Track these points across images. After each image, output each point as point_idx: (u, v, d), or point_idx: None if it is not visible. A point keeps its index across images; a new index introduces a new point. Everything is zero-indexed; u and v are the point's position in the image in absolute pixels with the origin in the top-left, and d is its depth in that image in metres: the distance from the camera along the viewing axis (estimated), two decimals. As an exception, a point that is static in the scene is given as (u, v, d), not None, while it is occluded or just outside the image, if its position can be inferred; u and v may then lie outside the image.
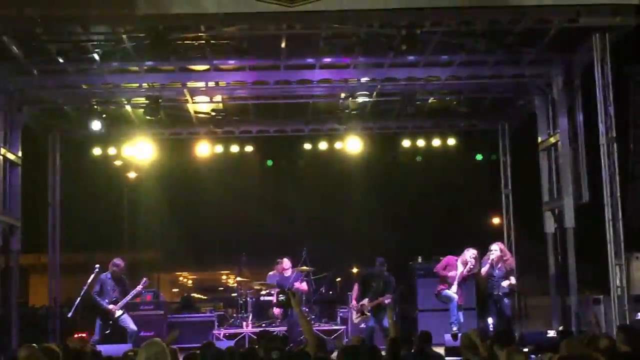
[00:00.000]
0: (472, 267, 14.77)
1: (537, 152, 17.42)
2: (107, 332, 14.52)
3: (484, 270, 14.78)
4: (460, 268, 14.82)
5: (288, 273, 16.51)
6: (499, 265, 14.81)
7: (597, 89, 13.63)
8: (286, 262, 16.59)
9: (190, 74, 16.05)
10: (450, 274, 14.86)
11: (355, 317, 15.31)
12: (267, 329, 15.15)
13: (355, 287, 15.31)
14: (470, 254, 14.90)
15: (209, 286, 28.56)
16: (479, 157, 20.34)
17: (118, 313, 14.60)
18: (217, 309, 19.83)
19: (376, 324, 14.93)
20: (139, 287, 15.03)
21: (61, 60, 14.57)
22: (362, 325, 15.33)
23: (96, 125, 17.56)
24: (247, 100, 17.91)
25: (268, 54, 15.03)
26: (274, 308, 16.64)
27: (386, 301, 14.82)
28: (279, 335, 7.63)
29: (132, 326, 14.68)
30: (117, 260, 15.03)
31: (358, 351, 5.68)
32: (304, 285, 16.44)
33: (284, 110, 18.92)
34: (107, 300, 14.60)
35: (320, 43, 14.26)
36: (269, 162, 21.61)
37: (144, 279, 15.27)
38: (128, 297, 14.81)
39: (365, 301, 14.96)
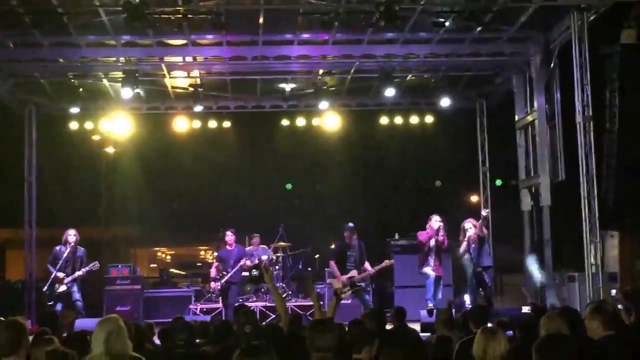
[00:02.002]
0: (443, 232, 14.92)
1: (514, 130, 17.48)
2: (51, 303, 14.59)
3: (462, 249, 14.80)
4: (433, 240, 14.95)
5: (232, 247, 16.25)
6: (474, 243, 14.86)
7: (574, 68, 13.68)
8: (229, 237, 16.13)
9: (167, 49, 15.95)
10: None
11: (342, 292, 14.92)
12: (243, 303, 15.15)
13: (333, 264, 15.11)
14: (434, 221, 15.01)
15: (187, 262, 28.49)
16: (498, 182, 20.24)
17: (63, 288, 14.68)
18: (194, 284, 19.83)
19: (357, 297, 14.99)
20: (87, 268, 15.00)
21: (36, 33, 14.44)
22: (349, 301, 15.31)
23: (75, 109, 17.55)
24: (224, 75, 17.83)
25: (246, 30, 14.95)
26: (211, 282, 16.31)
27: (372, 271, 15.00)
28: (252, 310, 7.64)
29: (78, 304, 14.82)
30: (67, 230, 15.12)
31: (327, 326, 5.69)
32: (248, 263, 16.26)
33: (262, 86, 18.86)
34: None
35: (299, 19, 14.19)
36: (288, 186, 22.93)
37: (95, 262, 15.20)
38: (75, 275, 14.88)
39: (355, 273, 14.86)
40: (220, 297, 16.14)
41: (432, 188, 22.36)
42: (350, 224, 15.16)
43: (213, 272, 16.30)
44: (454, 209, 19.58)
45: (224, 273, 15.81)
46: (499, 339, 5.72)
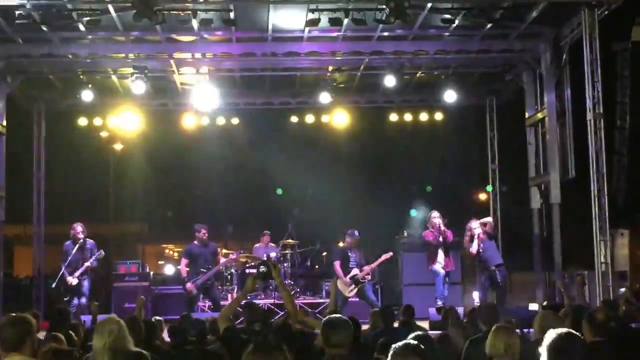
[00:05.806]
0: (444, 227, 14.90)
1: (524, 128, 17.40)
2: (66, 299, 14.57)
3: (473, 249, 14.76)
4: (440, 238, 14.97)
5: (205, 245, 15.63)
6: (483, 242, 14.80)
7: (584, 65, 13.62)
8: (203, 233, 15.35)
9: (176, 45, 15.91)
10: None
11: (349, 292, 15.01)
12: (252, 300, 15.11)
13: (337, 265, 15.10)
14: (433, 218, 15.02)
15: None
16: (489, 188, 20.12)
17: (75, 281, 14.68)
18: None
19: (360, 296, 14.99)
20: (93, 258, 14.90)
21: (46, 29, 14.41)
22: (356, 299, 15.30)
23: (87, 95, 17.46)
24: (233, 72, 17.78)
25: (255, 26, 14.91)
26: (187, 283, 15.22)
27: (372, 266, 15.04)
28: (262, 307, 7.59)
29: (82, 300, 14.73)
30: (74, 225, 15.07)
31: (342, 322, 5.67)
32: (232, 256, 16.24)
33: (271, 83, 18.81)
34: (69, 269, 14.77)
35: (308, 15, 14.12)
36: (279, 191, 22.84)
37: (100, 250, 15.13)
38: (84, 267, 14.82)
39: (356, 271, 14.88)
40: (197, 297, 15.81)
41: (441, 185, 22.24)
42: (356, 233, 15.16)
43: (184, 271, 15.45)
44: (463, 206, 19.53)
45: (202, 270, 15.45)
46: (514, 337, 5.71)
